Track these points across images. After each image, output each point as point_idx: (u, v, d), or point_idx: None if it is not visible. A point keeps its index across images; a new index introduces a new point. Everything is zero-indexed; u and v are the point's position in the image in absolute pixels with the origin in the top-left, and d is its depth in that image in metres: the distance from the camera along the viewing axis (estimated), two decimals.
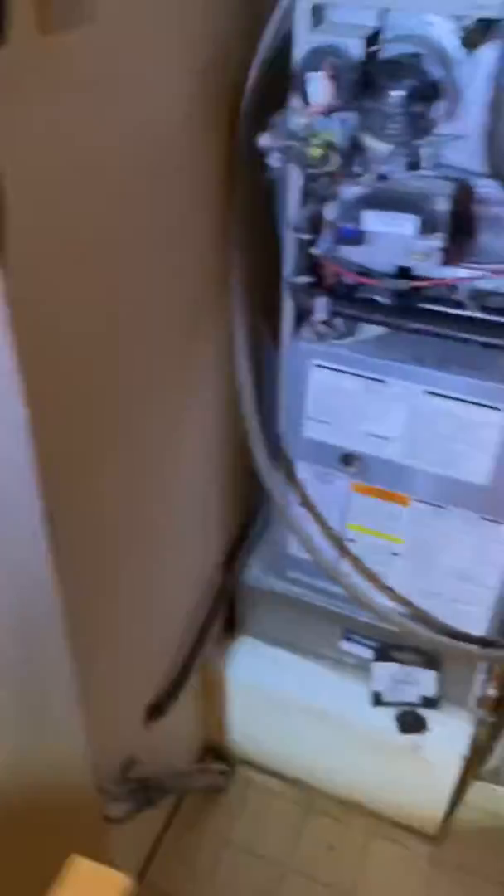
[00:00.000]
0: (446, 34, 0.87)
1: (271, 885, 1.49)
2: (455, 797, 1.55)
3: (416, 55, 0.86)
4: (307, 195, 0.99)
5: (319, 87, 0.83)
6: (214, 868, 1.52)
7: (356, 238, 0.91)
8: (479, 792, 1.61)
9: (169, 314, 1.06)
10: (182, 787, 1.46)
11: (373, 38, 0.87)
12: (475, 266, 0.96)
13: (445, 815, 1.53)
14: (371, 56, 0.85)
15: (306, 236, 0.99)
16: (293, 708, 1.50)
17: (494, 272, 0.95)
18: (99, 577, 1.04)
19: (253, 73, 0.95)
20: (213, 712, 1.60)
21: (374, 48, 0.87)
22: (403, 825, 1.56)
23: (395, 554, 1.34)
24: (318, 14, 0.90)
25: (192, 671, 1.40)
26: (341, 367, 1.17)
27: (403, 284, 1.00)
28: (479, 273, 0.96)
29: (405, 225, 0.88)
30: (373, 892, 1.49)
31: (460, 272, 0.96)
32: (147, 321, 1.00)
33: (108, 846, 1.07)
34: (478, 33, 0.83)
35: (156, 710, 1.33)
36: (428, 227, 0.89)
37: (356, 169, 0.95)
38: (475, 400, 1.11)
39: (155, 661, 1.35)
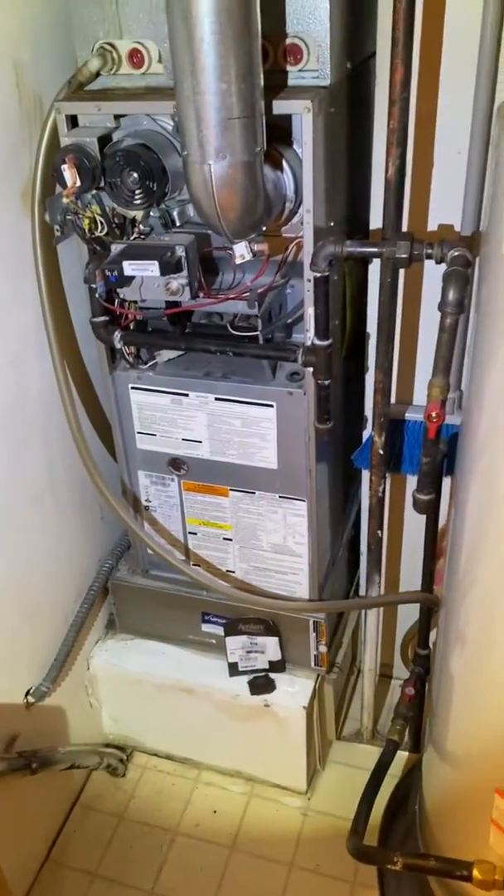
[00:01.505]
0: (169, 127, 1.18)
1: (162, 848, 1.70)
2: (319, 757, 1.78)
3: (144, 146, 1.16)
4: (91, 254, 1.28)
5: (67, 175, 1.13)
6: (111, 840, 1.72)
7: (120, 282, 1.20)
8: (342, 750, 1.84)
9: None
10: (71, 761, 1.66)
11: (107, 137, 1.18)
12: (214, 296, 1.26)
13: (310, 772, 1.76)
14: (105, 148, 1.16)
15: (94, 285, 1.27)
16: (169, 690, 1.73)
17: (220, 300, 1.24)
18: None
19: (39, 168, 1.24)
20: (102, 702, 1.81)
21: (111, 143, 1.17)
22: (278, 785, 1.78)
23: (227, 539, 1.60)
24: (72, 120, 1.21)
25: (66, 663, 1.62)
26: (152, 387, 1.46)
27: (156, 313, 1.29)
28: (212, 301, 1.25)
29: (151, 269, 1.17)
30: (251, 844, 1.70)
31: (202, 301, 1.25)
32: None
33: None
34: None
35: (34, 696, 1.56)
36: (170, 269, 1.18)
37: (129, 230, 1.25)
38: (253, 400, 1.39)
39: (36, 653, 1.58)
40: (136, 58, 1.23)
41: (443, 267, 1.10)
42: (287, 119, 1.19)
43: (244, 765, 1.80)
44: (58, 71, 1.28)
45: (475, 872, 1.07)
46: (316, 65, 1.16)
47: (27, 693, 1.55)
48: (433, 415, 1.07)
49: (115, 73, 1.25)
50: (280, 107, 1.11)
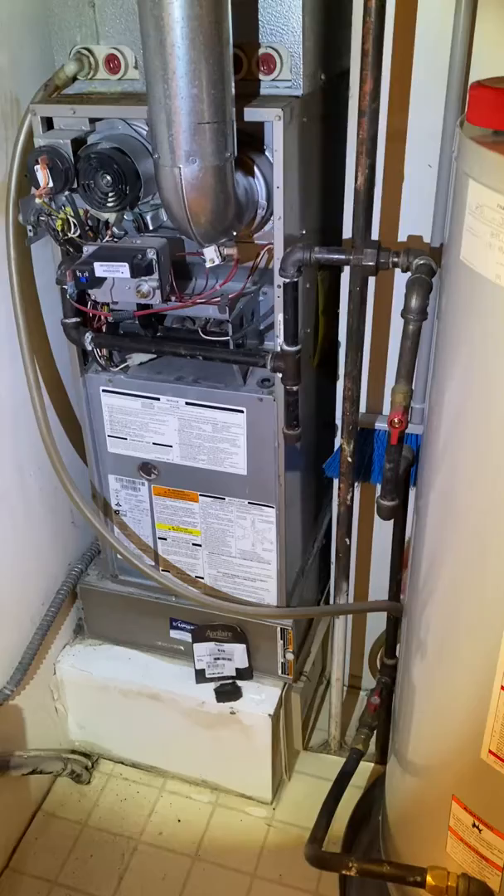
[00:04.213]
0: (143, 132, 1.20)
1: (125, 857, 1.68)
2: (285, 767, 1.78)
3: (118, 149, 1.17)
4: (64, 255, 1.29)
5: (39, 175, 1.14)
6: (73, 848, 1.70)
7: (91, 283, 1.21)
8: (309, 761, 1.83)
9: None
10: (33, 766, 1.64)
11: (82, 140, 1.19)
12: (185, 300, 1.27)
13: (276, 782, 1.75)
14: (79, 151, 1.17)
15: (66, 286, 1.28)
16: (135, 697, 1.72)
17: (191, 304, 1.25)
18: None
19: (14, 169, 1.25)
20: (68, 707, 1.80)
21: (84, 146, 1.18)
22: (242, 795, 1.77)
23: (196, 545, 1.60)
24: (47, 123, 1.22)
25: (31, 667, 1.61)
26: (123, 390, 1.46)
27: (127, 315, 1.30)
28: (183, 304, 1.26)
29: (122, 270, 1.18)
30: (214, 853, 1.69)
31: (173, 304, 1.26)
32: None
33: None
34: None
35: None
36: (140, 272, 1.19)
37: (102, 233, 1.26)
38: (223, 405, 1.40)
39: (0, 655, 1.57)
40: (112, 63, 1.24)
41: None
42: (260, 127, 1.21)
43: (209, 773, 1.79)
44: (35, 74, 1.29)
45: (428, 878, 1.07)
46: (289, 75, 1.18)
47: None
48: (395, 420, 1.08)
49: (91, 78, 1.27)
50: (252, 114, 1.13)
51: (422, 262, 1.08)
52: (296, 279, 1.17)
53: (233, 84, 1.04)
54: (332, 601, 1.62)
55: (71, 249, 1.28)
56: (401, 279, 1.30)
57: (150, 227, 1.27)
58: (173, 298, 1.27)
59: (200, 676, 1.68)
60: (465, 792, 1.10)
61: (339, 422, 1.49)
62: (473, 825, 1.10)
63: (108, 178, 1.16)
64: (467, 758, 1.09)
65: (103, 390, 1.47)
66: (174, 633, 1.72)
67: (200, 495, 1.54)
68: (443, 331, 0.97)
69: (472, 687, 1.05)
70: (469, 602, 1.01)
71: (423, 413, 1.39)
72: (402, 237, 1.32)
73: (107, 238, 1.26)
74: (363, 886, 1.53)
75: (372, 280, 1.24)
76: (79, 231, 1.24)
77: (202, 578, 1.65)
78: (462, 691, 1.08)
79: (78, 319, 1.36)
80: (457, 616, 1.05)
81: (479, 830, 1.09)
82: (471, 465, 0.94)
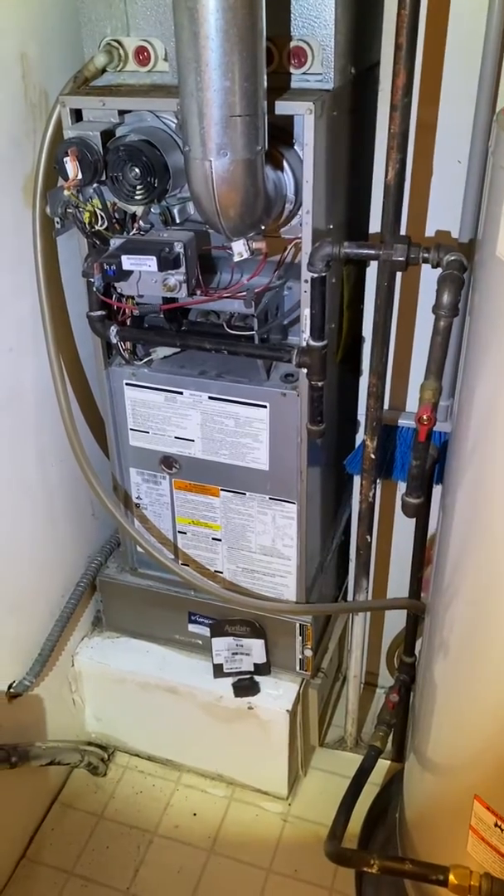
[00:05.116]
0: (172, 125, 1.19)
1: (140, 849, 1.69)
2: (301, 762, 1.78)
3: (147, 142, 1.17)
4: (90, 248, 1.29)
5: (68, 167, 1.14)
6: (89, 839, 1.71)
7: (117, 276, 1.20)
8: (325, 757, 1.83)
9: None
10: (51, 757, 1.65)
11: (110, 132, 1.18)
12: (210, 293, 1.26)
13: (292, 778, 1.75)
14: (108, 143, 1.16)
15: (92, 279, 1.27)
16: (152, 690, 1.72)
17: (217, 298, 1.24)
18: None
19: (42, 161, 1.25)
20: (86, 699, 1.81)
21: (114, 138, 1.18)
22: (258, 790, 1.77)
23: (216, 539, 1.60)
24: (76, 114, 1.22)
25: (51, 658, 1.62)
26: (146, 384, 1.46)
27: (152, 309, 1.30)
28: (209, 298, 1.26)
29: (149, 264, 1.18)
30: (229, 847, 1.69)
31: (199, 298, 1.26)
32: None
33: None
34: None
35: (16, 689, 1.55)
36: (168, 265, 1.18)
37: (129, 226, 1.26)
38: (246, 400, 1.40)
39: (20, 646, 1.57)
40: (142, 55, 1.24)
41: (440, 272, 1.11)
42: (290, 120, 1.20)
43: (226, 768, 1.79)
44: (64, 66, 1.29)
45: (451, 877, 1.06)
46: (320, 68, 1.17)
47: (9, 686, 1.54)
48: (424, 417, 1.07)
49: (120, 70, 1.26)
50: (283, 107, 1.12)
51: (453, 258, 1.07)
52: (324, 274, 1.17)
53: (265, 77, 1.04)
54: (350, 598, 1.61)
55: (97, 242, 1.27)
56: (427, 274, 1.29)
57: (177, 221, 1.27)
58: (199, 292, 1.27)
59: (218, 671, 1.68)
60: (489, 791, 1.09)
61: (361, 418, 1.49)
62: (496, 825, 1.09)
63: (137, 170, 1.16)
64: (491, 757, 1.08)
65: (127, 384, 1.47)
66: (192, 627, 1.72)
67: (221, 490, 1.53)
68: (475, 327, 0.96)
69: (497, 686, 1.04)
70: (496, 601, 1.00)
71: (448, 410, 1.38)
72: (429, 232, 1.31)
73: (133, 231, 1.26)
74: (379, 884, 1.53)
75: (398, 275, 1.23)
76: (106, 223, 1.24)
77: (221, 573, 1.64)
78: (486, 690, 1.07)
79: (103, 312, 1.35)
80: (482, 615, 1.05)
81: (502, 830, 1.08)
82: (500, 462, 0.93)
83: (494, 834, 1.10)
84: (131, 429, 1.53)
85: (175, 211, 1.26)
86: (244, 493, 1.52)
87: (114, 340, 1.37)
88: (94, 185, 1.20)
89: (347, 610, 1.75)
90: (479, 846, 1.13)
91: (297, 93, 1.17)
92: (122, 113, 1.22)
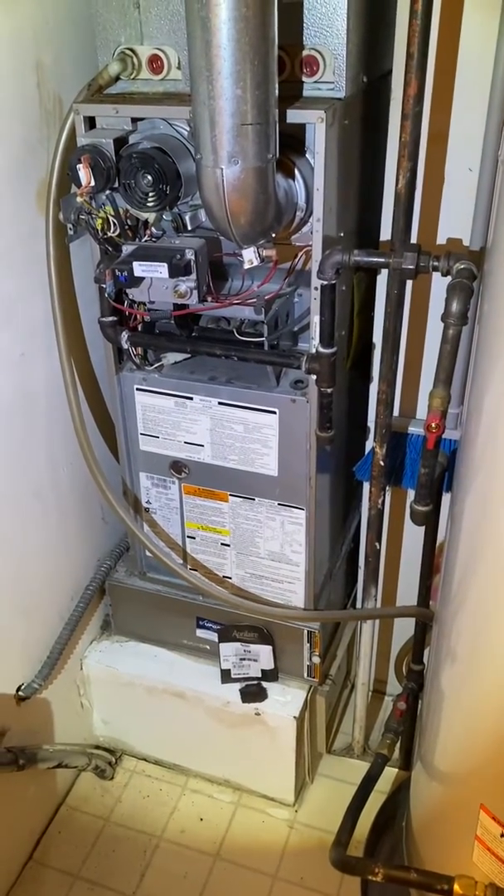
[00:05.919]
0: (185, 133, 1.20)
1: (146, 854, 1.69)
2: (308, 769, 1.77)
3: (159, 149, 1.18)
4: (102, 254, 1.30)
5: (81, 174, 1.15)
6: (95, 843, 1.71)
7: (129, 282, 1.21)
8: (332, 764, 1.83)
9: None
10: (59, 760, 1.66)
11: (123, 139, 1.19)
12: (221, 300, 1.27)
13: (298, 784, 1.75)
14: (121, 150, 1.17)
15: (104, 285, 1.28)
16: (160, 694, 1.72)
17: (227, 305, 1.25)
18: None
19: (56, 167, 1.26)
20: (93, 703, 1.81)
21: (127, 145, 1.19)
22: (265, 796, 1.77)
23: (225, 545, 1.60)
24: (90, 122, 1.23)
25: (59, 661, 1.62)
26: (157, 389, 1.47)
27: (163, 315, 1.30)
28: (219, 305, 1.26)
29: (160, 270, 1.18)
30: (235, 853, 1.69)
31: (210, 305, 1.26)
32: None
33: None
34: None
35: (25, 692, 1.56)
36: (179, 272, 1.19)
37: (141, 232, 1.27)
38: (255, 406, 1.40)
39: (29, 649, 1.58)
40: (155, 64, 1.25)
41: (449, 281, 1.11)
42: (301, 129, 1.20)
43: (232, 774, 1.79)
44: (79, 74, 1.31)
45: (456, 887, 1.06)
46: (332, 77, 1.18)
47: (18, 689, 1.55)
48: (433, 425, 1.07)
49: (134, 78, 1.27)
50: (294, 116, 1.13)
51: (462, 266, 1.07)
52: (333, 281, 1.17)
53: (276, 86, 1.04)
54: (359, 605, 1.61)
55: (110, 248, 1.28)
56: (438, 282, 1.29)
57: (189, 228, 1.28)
58: (209, 299, 1.27)
59: (226, 676, 1.68)
60: (495, 801, 1.09)
61: (370, 424, 1.49)
62: (502, 835, 1.09)
63: (149, 177, 1.17)
64: (497, 767, 1.08)
65: (137, 389, 1.48)
66: (200, 633, 1.72)
67: (230, 495, 1.54)
68: (484, 336, 0.96)
69: (503, 696, 1.04)
70: (503, 610, 1.00)
71: (457, 418, 1.38)
72: (440, 240, 1.31)
73: (145, 238, 1.27)
74: (385, 892, 1.52)
75: (408, 283, 1.23)
76: (118, 230, 1.25)
77: (230, 578, 1.65)
78: (493, 699, 1.07)
79: (115, 318, 1.37)
80: (490, 623, 1.04)
81: None
82: None
83: (500, 844, 1.09)
84: (141, 433, 1.54)
85: (187, 218, 1.27)
86: (253, 499, 1.52)
87: (125, 346, 1.38)
88: (107, 191, 1.21)
89: (355, 618, 1.75)
90: (484, 856, 1.12)
91: (308, 101, 1.17)
92: (135, 120, 1.24)
